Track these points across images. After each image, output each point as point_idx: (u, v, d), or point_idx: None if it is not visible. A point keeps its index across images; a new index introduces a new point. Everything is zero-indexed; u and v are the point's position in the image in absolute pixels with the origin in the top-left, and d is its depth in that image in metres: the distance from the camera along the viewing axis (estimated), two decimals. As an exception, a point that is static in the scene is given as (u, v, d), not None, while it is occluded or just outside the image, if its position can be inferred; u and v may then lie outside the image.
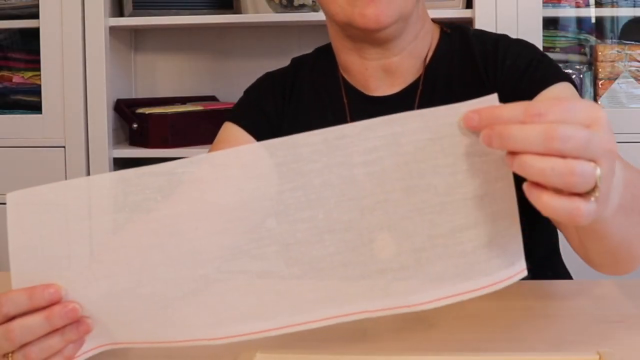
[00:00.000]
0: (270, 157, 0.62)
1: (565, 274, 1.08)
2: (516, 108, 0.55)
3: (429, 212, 0.61)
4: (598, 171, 0.53)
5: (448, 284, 0.63)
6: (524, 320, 0.76)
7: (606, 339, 0.71)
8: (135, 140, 1.93)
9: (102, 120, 1.85)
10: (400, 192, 0.61)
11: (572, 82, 0.96)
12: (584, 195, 0.54)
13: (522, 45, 1.01)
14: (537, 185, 0.55)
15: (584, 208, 0.53)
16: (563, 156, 0.53)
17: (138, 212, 0.64)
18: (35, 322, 0.63)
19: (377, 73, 1.00)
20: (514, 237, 0.61)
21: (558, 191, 0.54)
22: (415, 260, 0.63)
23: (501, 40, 1.01)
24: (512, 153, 0.55)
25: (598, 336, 0.72)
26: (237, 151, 0.63)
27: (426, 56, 1.00)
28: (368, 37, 0.95)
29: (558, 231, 1.04)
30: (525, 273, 0.62)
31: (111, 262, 0.65)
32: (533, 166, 0.53)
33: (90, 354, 0.68)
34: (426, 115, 0.59)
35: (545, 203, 0.54)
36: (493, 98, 0.58)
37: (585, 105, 0.55)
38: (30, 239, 0.65)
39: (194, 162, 0.63)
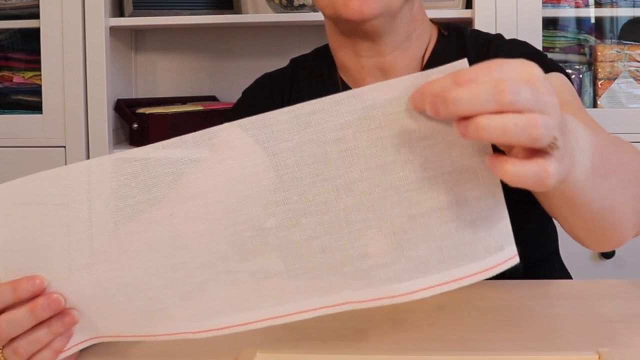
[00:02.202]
0: (242, 137, 0.61)
1: (564, 274, 1.08)
2: (444, 79, 0.52)
3: (406, 189, 0.59)
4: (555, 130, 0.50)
5: (434, 271, 0.60)
6: (524, 320, 0.76)
7: (606, 338, 0.71)
8: (136, 140, 1.93)
9: (102, 120, 1.85)
10: (375, 169, 0.59)
11: (566, 74, 0.96)
12: (545, 152, 0.51)
13: (515, 44, 1.02)
14: (499, 156, 0.52)
15: (551, 168, 0.50)
16: (518, 111, 0.49)
17: (114, 200, 0.64)
18: (19, 315, 0.64)
19: (373, 72, 1.00)
20: (500, 217, 0.58)
21: (519, 156, 0.51)
22: (397, 243, 0.60)
23: (494, 40, 1.01)
24: (462, 120, 0.51)
25: (598, 336, 0.72)
26: (209, 132, 0.62)
27: (423, 57, 1.01)
28: (357, 30, 0.95)
29: (557, 231, 1.05)
30: (517, 260, 0.58)
31: (90, 251, 0.65)
32: (492, 126, 0.49)
33: (79, 347, 0.69)
34: (395, 85, 0.57)
35: (510, 172, 0.51)
36: (463, 63, 0.55)
37: (517, 63, 0.52)
38: (15, 232, 0.65)
39: (166, 146, 0.62)
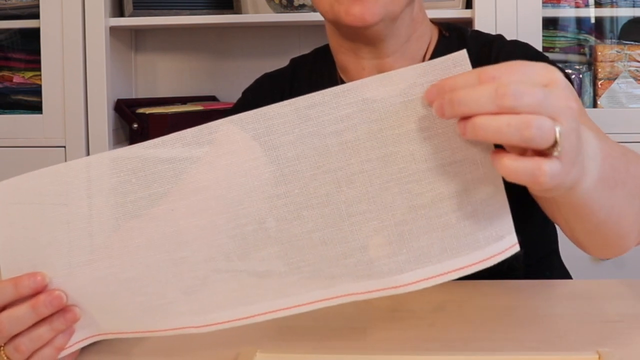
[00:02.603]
0: (242, 131, 0.61)
1: (564, 274, 1.08)
2: (470, 75, 0.54)
3: (407, 181, 0.59)
4: (558, 128, 0.52)
5: (435, 261, 0.60)
6: (524, 320, 0.76)
7: (606, 338, 0.71)
8: (136, 140, 1.92)
9: (102, 120, 1.86)
10: (376, 161, 0.60)
11: (568, 77, 0.97)
12: (545, 153, 0.53)
13: (516, 45, 1.02)
14: (500, 150, 0.54)
15: (546, 167, 0.52)
16: (517, 114, 0.51)
17: (114, 196, 0.64)
18: (21, 312, 0.64)
19: (373, 73, 0.99)
20: (501, 206, 0.59)
21: (520, 154, 0.53)
22: (398, 234, 0.61)
23: (496, 40, 1.01)
24: (463, 120, 0.53)
25: (598, 336, 0.72)
26: (208, 127, 0.62)
27: (424, 58, 1.01)
28: (359, 36, 0.95)
29: (557, 231, 1.05)
30: (517, 248, 0.59)
31: (91, 247, 0.65)
32: (488, 125, 0.52)
33: (80, 344, 0.69)
34: (394, 77, 0.58)
35: (507, 166, 0.53)
36: (462, 54, 0.56)
37: (540, 67, 0.54)
38: (16, 230, 0.65)
39: (166, 142, 0.62)
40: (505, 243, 0.59)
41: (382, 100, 0.58)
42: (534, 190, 0.58)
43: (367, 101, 0.59)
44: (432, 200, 0.59)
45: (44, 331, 0.65)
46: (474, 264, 0.60)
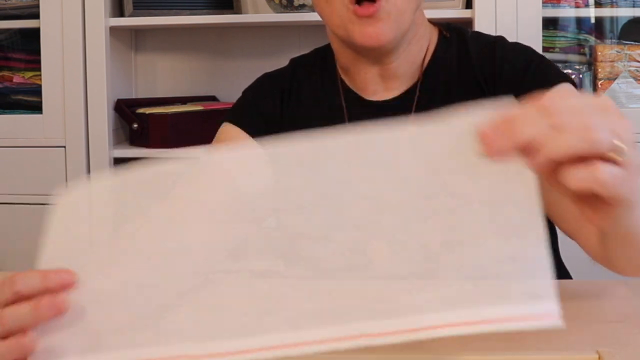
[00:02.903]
0: (286, 152, 0.60)
1: (565, 274, 1.08)
2: (528, 109, 0.53)
3: (443, 215, 0.57)
4: (616, 139, 0.53)
5: (461, 306, 0.56)
6: (524, 320, 0.76)
7: (606, 339, 0.71)
8: (136, 140, 1.93)
9: (102, 120, 1.85)
10: (414, 192, 0.58)
11: (572, 82, 0.97)
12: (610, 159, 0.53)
13: (519, 48, 1.02)
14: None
15: (603, 167, 0.52)
16: None
17: (135, 210, 0.64)
18: (23, 311, 0.63)
19: (375, 77, 1.00)
20: (541, 261, 0.55)
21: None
22: (427, 270, 0.58)
23: (498, 42, 1.01)
24: (531, 153, 0.53)
25: (598, 336, 0.72)
26: (243, 153, 0.62)
27: (424, 60, 1.01)
28: (367, 51, 0.96)
29: (557, 232, 1.05)
30: (558, 321, 0.54)
31: (109, 258, 0.65)
32: (558, 143, 0.51)
33: None
34: (446, 124, 0.56)
35: (568, 175, 0.52)
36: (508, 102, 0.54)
37: (591, 96, 0.56)
38: (61, 229, 0.65)
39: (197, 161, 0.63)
40: (542, 306, 0.55)
41: (429, 134, 0.57)
42: (602, 208, 0.57)
43: (414, 139, 0.57)
44: (468, 237, 0.57)
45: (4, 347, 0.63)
46: (503, 320, 0.55)
